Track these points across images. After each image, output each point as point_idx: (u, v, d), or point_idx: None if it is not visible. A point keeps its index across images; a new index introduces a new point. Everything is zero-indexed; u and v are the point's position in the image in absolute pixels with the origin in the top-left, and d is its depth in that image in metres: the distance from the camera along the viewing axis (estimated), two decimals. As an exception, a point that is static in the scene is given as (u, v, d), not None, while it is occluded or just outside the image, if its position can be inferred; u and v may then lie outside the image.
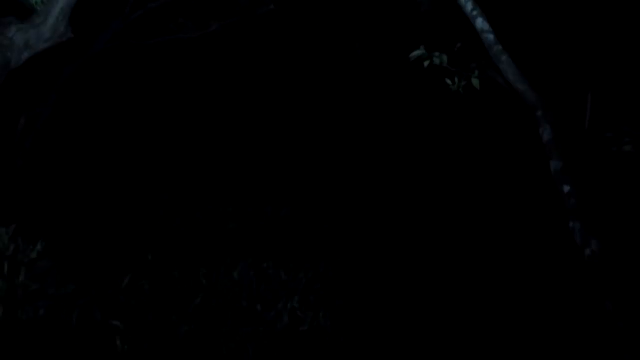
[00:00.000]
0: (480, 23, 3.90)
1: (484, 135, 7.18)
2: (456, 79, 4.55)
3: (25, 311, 5.50)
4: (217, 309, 5.85)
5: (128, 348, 5.30)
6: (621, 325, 3.02)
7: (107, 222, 7.76)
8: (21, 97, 8.52)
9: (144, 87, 9.85)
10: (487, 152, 7.19)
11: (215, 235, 7.99)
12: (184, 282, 6.35)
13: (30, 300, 5.61)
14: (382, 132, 8.96)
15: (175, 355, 5.16)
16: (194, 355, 5.12)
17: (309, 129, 9.89)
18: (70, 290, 5.81)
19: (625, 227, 4.54)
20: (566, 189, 3.39)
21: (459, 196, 7.55)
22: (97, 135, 9.44)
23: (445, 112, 7.29)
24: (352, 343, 5.54)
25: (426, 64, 4.80)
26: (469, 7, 3.94)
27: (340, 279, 7.02)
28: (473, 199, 7.34)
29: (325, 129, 9.74)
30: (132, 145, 9.52)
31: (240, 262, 7.06)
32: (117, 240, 7.33)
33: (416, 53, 4.79)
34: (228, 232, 8.16)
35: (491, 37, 3.84)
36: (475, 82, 4.62)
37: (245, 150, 9.97)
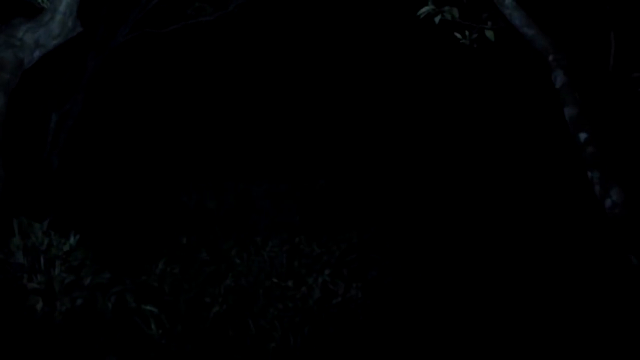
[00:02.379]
0: (480, -32, 3.66)
1: (500, 88, 6.86)
2: (467, 32, 4.31)
3: (63, 302, 5.63)
4: (248, 288, 5.85)
5: (162, 332, 5.36)
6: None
7: (139, 210, 7.86)
8: (47, 94, 8.65)
9: (166, 74, 9.87)
10: (504, 105, 6.88)
11: (248, 214, 8.00)
12: (216, 263, 6.37)
13: (67, 291, 5.73)
14: (399, 95, 8.73)
15: (206, 336, 5.19)
16: (223, 335, 5.14)
17: (327, 96, 9.74)
18: (105, 280, 5.90)
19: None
20: (582, 136, 3.16)
21: (474, 149, 7.30)
22: (123, 125, 9.54)
23: (460, 68, 7.00)
24: (384, 314, 5.45)
25: (437, 19, 4.57)
26: (467, -48, 3.70)
27: (374, 250, 6.91)
28: (488, 152, 7.08)
29: (340, 93, 9.56)
30: (159, 132, 9.59)
31: (272, 238, 7.04)
32: (150, 227, 7.41)
33: (425, 9, 4.56)
34: (260, 210, 8.15)
35: (492, -19, 3.60)
36: (489, 33, 4.36)
37: (272, 127, 9.91)
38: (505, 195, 6.61)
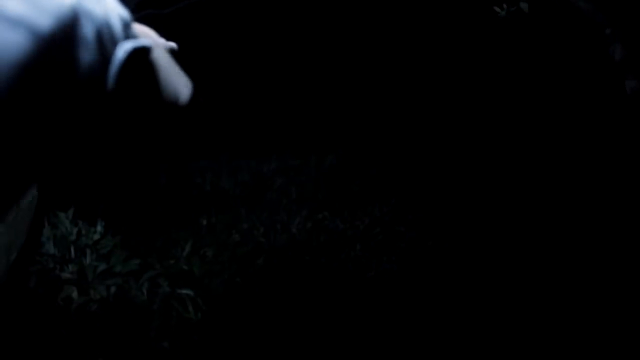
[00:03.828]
0: (529, -61, 3.63)
1: (545, 58, 6.84)
2: (504, 5, 4.31)
3: (98, 291, 5.64)
4: (280, 267, 5.90)
5: (201, 315, 5.41)
6: None
7: (156, 194, 7.82)
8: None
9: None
10: (550, 77, 6.86)
11: (263, 192, 8.00)
12: (243, 244, 6.41)
13: (100, 279, 5.74)
14: (431, 67, 8.66)
15: (246, 317, 5.24)
16: (265, 315, 5.20)
17: (339, 73, 9.69)
18: (135, 266, 5.92)
19: None
20: (646, 107, 3.21)
21: (521, 128, 7.25)
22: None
23: (497, 40, 6.96)
24: (418, 286, 5.54)
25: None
26: None
27: (398, 222, 6.98)
28: (538, 130, 7.03)
29: (359, 68, 9.51)
30: (168, 116, 9.46)
31: (294, 215, 7.09)
32: (169, 210, 7.40)
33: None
34: (276, 187, 8.16)
35: (543, -46, 3.58)
36: (524, 5, 4.36)
37: (278, 105, 9.86)
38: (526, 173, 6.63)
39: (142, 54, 0.53)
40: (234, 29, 10.21)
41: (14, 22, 0.39)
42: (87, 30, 0.47)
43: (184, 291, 5.67)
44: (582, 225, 6.01)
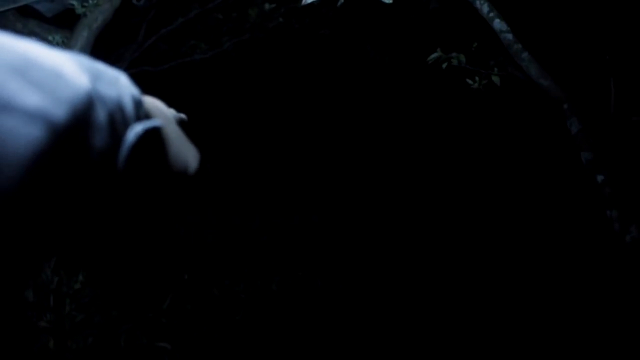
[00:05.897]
0: (498, 24, 3.94)
1: (509, 129, 7.17)
2: (477, 78, 4.59)
3: (74, 341, 5.66)
4: (259, 322, 5.96)
5: (177, 369, 5.42)
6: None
7: (139, 247, 7.90)
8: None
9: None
10: (514, 145, 7.17)
11: (248, 249, 8.10)
12: (224, 299, 6.47)
13: (78, 329, 5.76)
14: (406, 133, 8.96)
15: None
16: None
17: (328, 136, 9.98)
18: (114, 317, 5.96)
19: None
20: (600, 178, 3.42)
21: (490, 191, 7.48)
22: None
23: (468, 109, 7.29)
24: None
25: (444, 65, 4.84)
26: (485, 9, 4.00)
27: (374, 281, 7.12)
28: (504, 192, 7.26)
29: (344, 134, 9.81)
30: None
31: (277, 273, 7.18)
32: (151, 264, 7.46)
33: (434, 56, 4.82)
34: (260, 244, 8.27)
35: (510, 36, 3.89)
36: (496, 79, 4.64)
37: (264, 162, 10.09)
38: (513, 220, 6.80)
39: (152, 134, 0.54)
40: (226, 87, 10.56)
41: (32, 116, 0.40)
42: (100, 115, 0.47)
43: (162, 344, 5.71)
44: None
